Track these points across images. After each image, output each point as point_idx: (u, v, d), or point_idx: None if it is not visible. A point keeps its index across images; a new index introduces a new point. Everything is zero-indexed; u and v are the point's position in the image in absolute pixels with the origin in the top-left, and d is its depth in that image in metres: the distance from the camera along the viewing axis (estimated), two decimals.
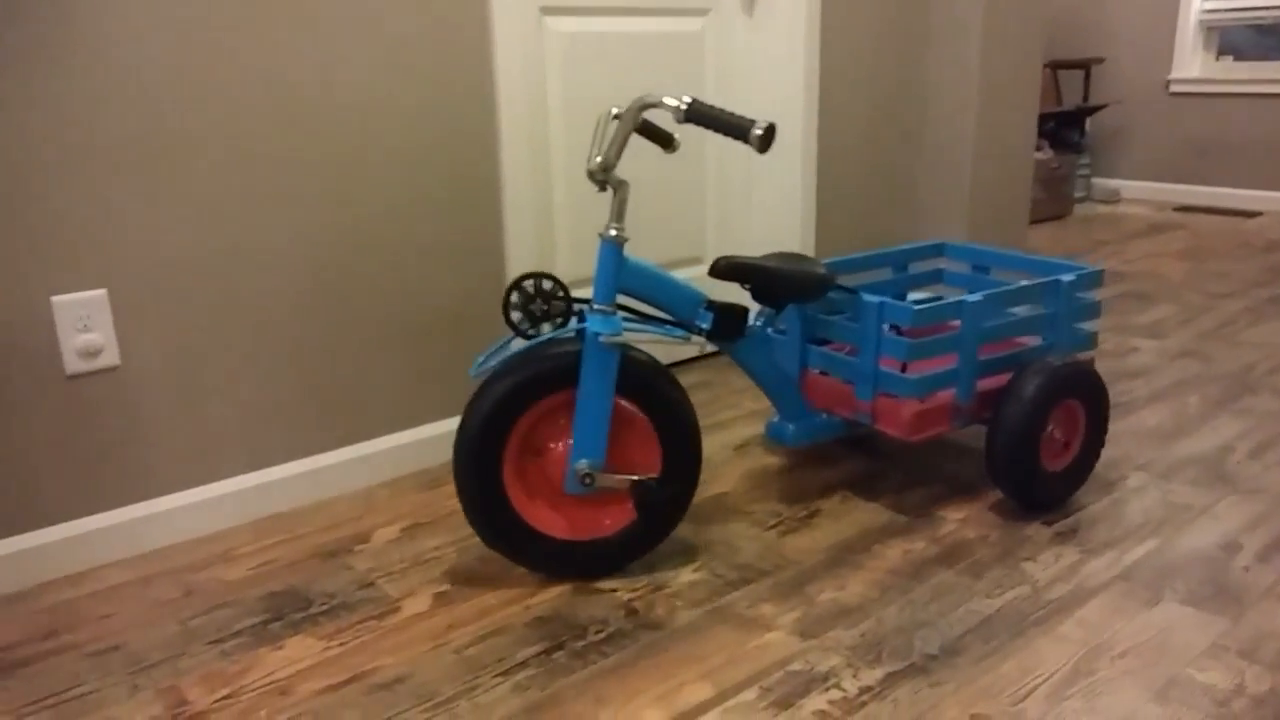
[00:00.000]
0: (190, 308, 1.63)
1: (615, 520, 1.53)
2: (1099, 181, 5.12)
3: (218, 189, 1.62)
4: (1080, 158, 4.90)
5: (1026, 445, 1.62)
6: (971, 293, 1.90)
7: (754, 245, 2.58)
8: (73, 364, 1.53)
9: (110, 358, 1.56)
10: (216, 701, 1.26)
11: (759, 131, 1.33)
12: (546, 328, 1.47)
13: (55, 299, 1.50)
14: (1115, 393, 2.27)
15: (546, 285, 1.46)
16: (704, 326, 1.57)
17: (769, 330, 1.69)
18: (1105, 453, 1.95)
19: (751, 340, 1.65)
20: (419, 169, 1.84)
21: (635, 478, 1.48)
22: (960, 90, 2.73)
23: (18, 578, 1.53)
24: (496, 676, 1.30)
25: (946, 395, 1.71)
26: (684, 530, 1.68)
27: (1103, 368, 2.44)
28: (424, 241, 1.88)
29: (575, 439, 1.44)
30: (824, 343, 1.80)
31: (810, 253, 2.57)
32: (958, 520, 1.69)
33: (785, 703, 1.23)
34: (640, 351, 1.49)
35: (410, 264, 1.87)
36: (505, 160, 1.93)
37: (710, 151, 2.43)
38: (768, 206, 2.55)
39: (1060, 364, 1.65)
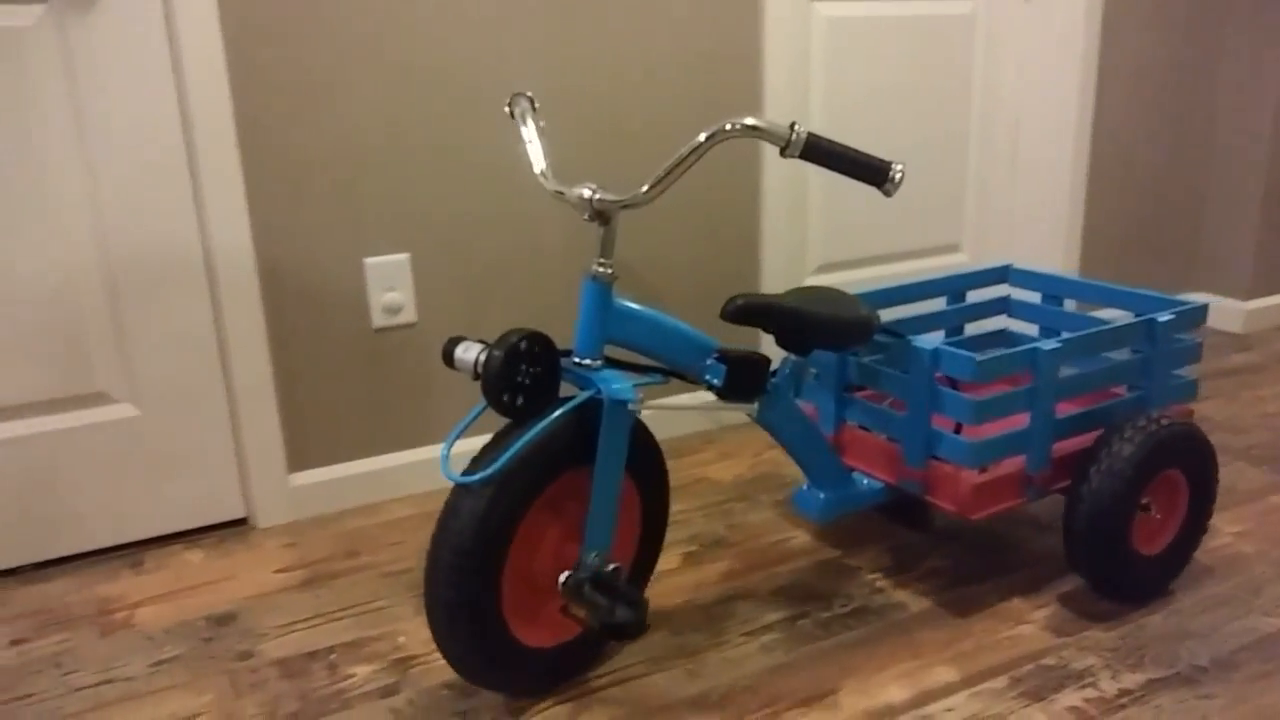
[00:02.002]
0: (472, 273, 1.79)
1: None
2: None
3: (499, 164, 1.77)
4: None
5: (1116, 525, 1.32)
6: (1042, 326, 1.69)
7: (1015, 235, 2.49)
8: (378, 319, 1.73)
9: (409, 315, 1.75)
10: None
11: (898, 177, 1.13)
12: (524, 398, 1.15)
13: (368, 261, 1.70)
14: None
15: (530, 347, 1.15)
16: (714, 382, 1.28)
17: (797, 383, 1.39)
18: None
19: (774, 397, 1.35)
20: (682, 145, 1.92)
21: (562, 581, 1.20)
22: (1258, 84, 2.50)
23: (326, 503, 1.75)
24: (743, 635, 1.36)
25: (1015, 463, 1.40)
26: (937, 518, 1.67)
27: None
28: (681, 216, 1.96)
29: (589, 528, 1.19)
30: (861, 389, 1.52)
31: (1074, 258, 2.46)
32: (1233, 534, 1.58)
33: (1037, 695, 1.21)
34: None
35: (666, 238, 1.96)
36: (766, 146, 1.98)
37: (974, 129, 2.36)
38: (1031, 196, 2.45)
39: (1162, 423, 1.34)
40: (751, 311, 1.27)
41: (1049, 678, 1.25)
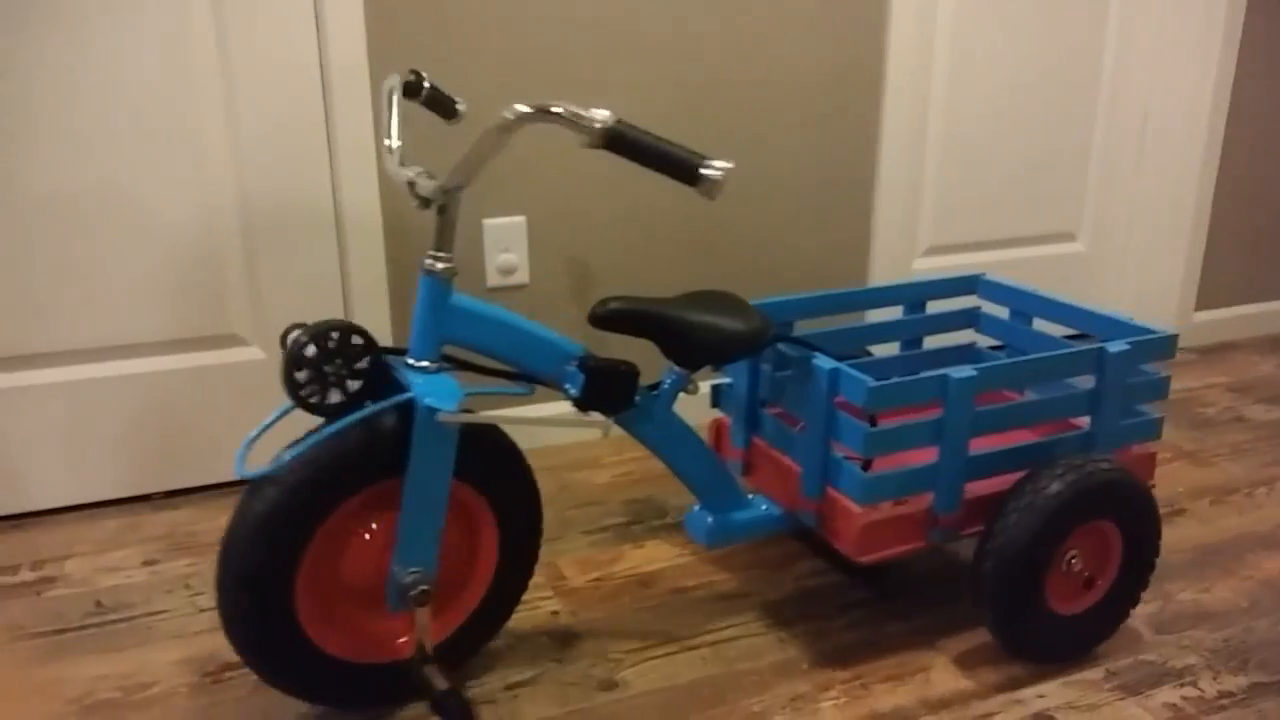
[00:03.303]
0: (585, 239, 1.83)
1: (444, 626, 1.22)
2: None
3: None
4: None
5: (1025, 576, 1.18)
6: (1009, 345, 1.54)
7: (1136, 227, 2.41)
8: (492, 279, 1.78)
9: (522, 277, 1.80)
10: (589, 581, 1.44)
11: (712, 175, 0.96)
12: (336, 395, 1.08)
13: (486, 221, 1.75)
14: None
15: (344, 339, 1.08)
16: (571, 391, 1.18)
17: (677, 394, 1.26)
18: None
19: (649, 411, 1.24)
20: (801, 118, 1.93)
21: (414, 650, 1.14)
22: None
23: None
24: (833, 609, 1.37)
25: (918, 502, 1.24)
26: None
27: None
28: (793, 192, 1.96)
29: (400, 542, 1.11)
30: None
31: (1198, 254, 2.36)
32: None
33: (1133, 689, 1.20)
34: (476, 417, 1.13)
35: (775, 213, 1.96)
36: (886, 121, 1.97)
37: (1100, 116, 2.29)
38: (1155, 189, 2.37)
39: (1092, 467, 1.19)
40: (619, 317, 1.18)
41: (1147, 673, 1.23)
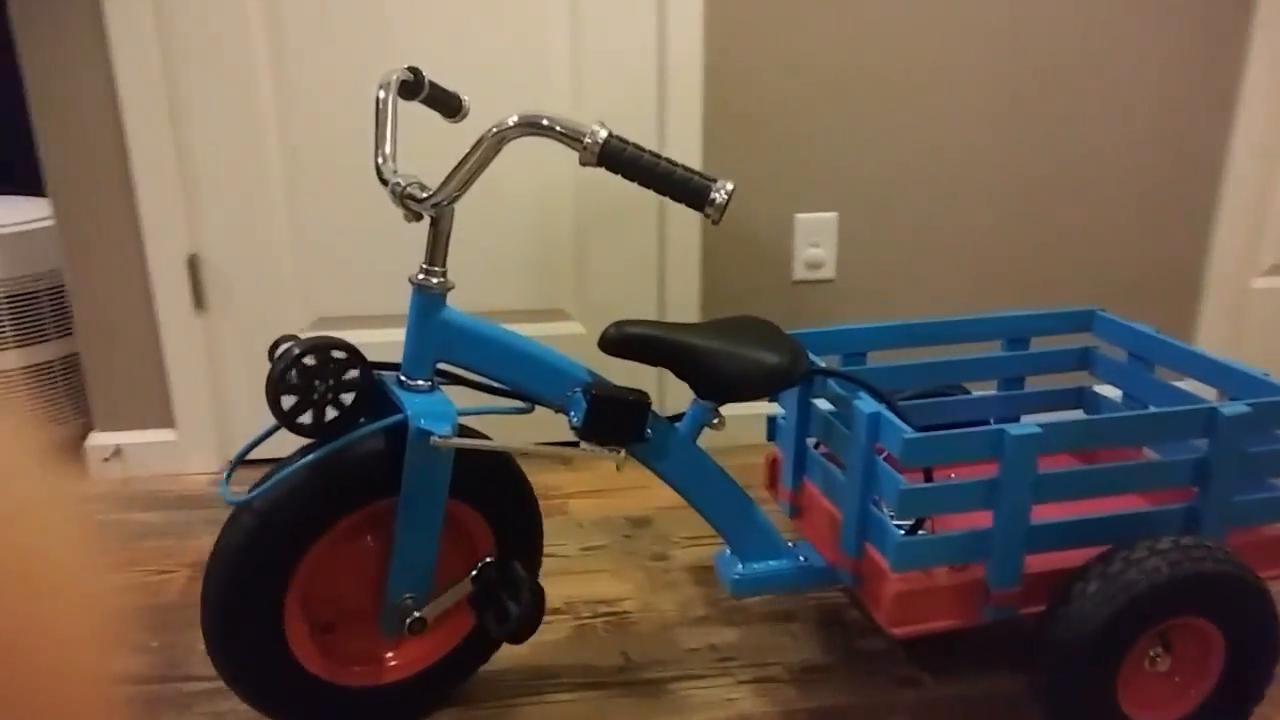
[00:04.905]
0: (895, 239, 1.83)
1: (436, 648, 1.20)
2: None
3: (932, 127, 1.78)
4: None
5: (1091, 672, 1.02)
6: (1125, 394, 1.34)
7: None
8: (799, 272, 1.82)
9: (828, 272, 1.82)
10: None
11: (719, 199, 0.96)
12: (320, 415, 1.05)
13: (798, 216, 1.79)
14: None
15: (334, 357, 1.04)
16: (573, 419, 1.11)
17: (701, 429, 1.17)
18: None
19: (665, 446, 1.15)
20: (1143, 110, 1.82)
21: (474, 572, 1.14)
22: None
23: (726, 437, 1.89)
24: None
25: (969, 573, 1.12)
26: None
27: None
28: (1123, 198, 1.86)
29: (393, 570, 1.10)
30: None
31: None
32: None
33: None
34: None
35: (1100, 220, 1.86)
36: (1239, 126, 1.81)
37: None
38: None
39: (1179, 554, 1.01)
40: (632, 342, 1.12)
41: None
